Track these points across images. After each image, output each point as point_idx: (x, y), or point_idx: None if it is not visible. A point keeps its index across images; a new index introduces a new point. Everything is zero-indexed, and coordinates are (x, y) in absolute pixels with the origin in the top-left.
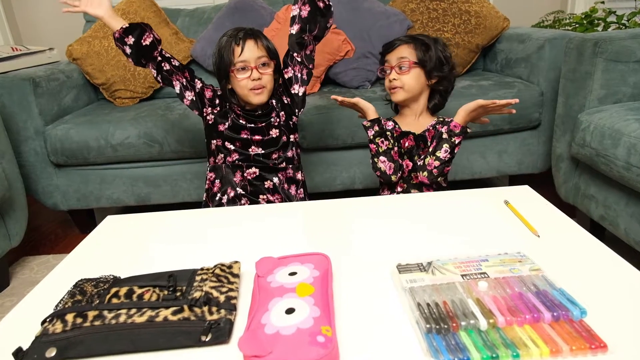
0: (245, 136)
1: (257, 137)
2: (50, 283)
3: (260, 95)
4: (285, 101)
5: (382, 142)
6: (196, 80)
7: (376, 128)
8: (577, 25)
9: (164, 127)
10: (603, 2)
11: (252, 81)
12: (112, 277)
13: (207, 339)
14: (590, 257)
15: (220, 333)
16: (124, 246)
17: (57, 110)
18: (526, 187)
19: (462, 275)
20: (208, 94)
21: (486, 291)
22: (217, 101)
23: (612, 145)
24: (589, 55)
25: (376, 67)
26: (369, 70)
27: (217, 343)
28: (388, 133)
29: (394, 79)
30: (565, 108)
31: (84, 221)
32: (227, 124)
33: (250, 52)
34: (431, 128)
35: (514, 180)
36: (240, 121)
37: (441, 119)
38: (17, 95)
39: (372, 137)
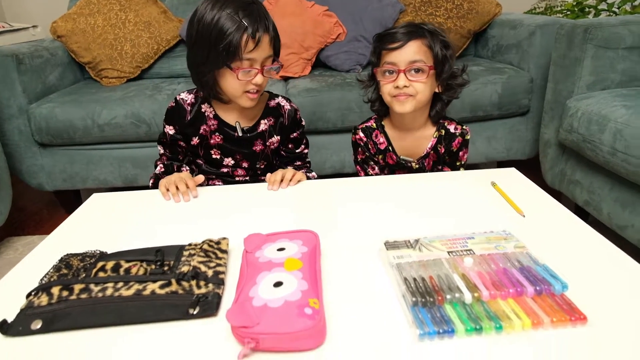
0: (226, 170)
1: (240, 171)
2: (35, 258)
3: (253, 101)
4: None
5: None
6: (174, 141)
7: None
8: (568, 13)
9: (151, 108)
10: None
11: (251, 84)
12: (98, 252)
13: (194, 312)
14: (573, 236)
15: (208, 306)
16: (110, 223)
17: (41, 88)
18: (513, 169)
19: (449, 252)
20: (171, 134)
21: (471, 267)
22: (179, 135)
23: (599, 131)
24: (579, 42)
25: (368, 50)
26: (360, 53)
27: (205, 316)
28: (380, 157)
29: (405, 85)
30: (554, 94)
31: (70, 202)
32: (201, 160)
33: (262, 51)
34: (432, 152)
35: (502, 166)
36: (214, 157)
37: (442, 132)
38: (0, 71)
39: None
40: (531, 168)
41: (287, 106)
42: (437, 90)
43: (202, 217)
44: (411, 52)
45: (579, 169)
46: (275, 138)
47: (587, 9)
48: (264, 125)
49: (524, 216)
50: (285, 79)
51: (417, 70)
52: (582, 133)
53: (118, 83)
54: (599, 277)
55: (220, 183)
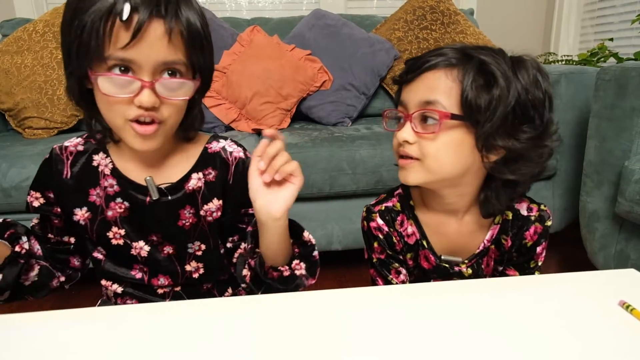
0: (138, 274)
1: (162, 280)
2: None
3: (149, 141)
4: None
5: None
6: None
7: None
8: (583, 64)
9: None
10: (612, 40)
11: (137, 108)
12: None
13: None
14: None
15: None
16: None
17: None
18: (632, 271)
19: None
20: (35, 207)
21: None
22: (51, 207)
23: None
24: (634, 88)
25: (358, 101)
26: (350, 104)
27: None
28: (409, 256)
29: (406, 141)
30: (600, 154)
31: None
32: (101, 256)
33: (149, 47)
34: (492, 246)
35: None
36: (114, 242)
37: (507, 215)
38: None
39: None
40: (561, 243)
41: (238, 154)
42: (485, 160)
43: None
44: (425, 87)
45: None
46: (216, 203)
47: (603, 59)
48: (196, 181)
49: None
50: (259, 132)
51: (426, 119)
52: None
53: (46, 135)
54: None
55: (132, 301)
